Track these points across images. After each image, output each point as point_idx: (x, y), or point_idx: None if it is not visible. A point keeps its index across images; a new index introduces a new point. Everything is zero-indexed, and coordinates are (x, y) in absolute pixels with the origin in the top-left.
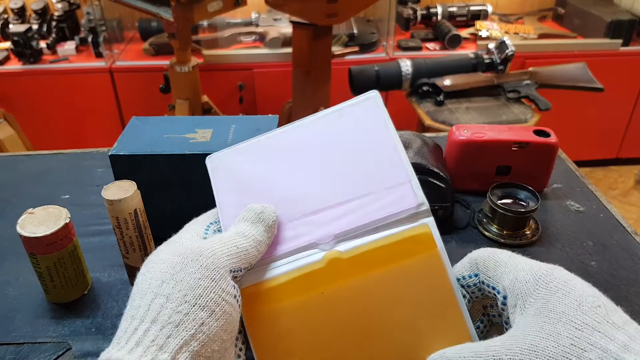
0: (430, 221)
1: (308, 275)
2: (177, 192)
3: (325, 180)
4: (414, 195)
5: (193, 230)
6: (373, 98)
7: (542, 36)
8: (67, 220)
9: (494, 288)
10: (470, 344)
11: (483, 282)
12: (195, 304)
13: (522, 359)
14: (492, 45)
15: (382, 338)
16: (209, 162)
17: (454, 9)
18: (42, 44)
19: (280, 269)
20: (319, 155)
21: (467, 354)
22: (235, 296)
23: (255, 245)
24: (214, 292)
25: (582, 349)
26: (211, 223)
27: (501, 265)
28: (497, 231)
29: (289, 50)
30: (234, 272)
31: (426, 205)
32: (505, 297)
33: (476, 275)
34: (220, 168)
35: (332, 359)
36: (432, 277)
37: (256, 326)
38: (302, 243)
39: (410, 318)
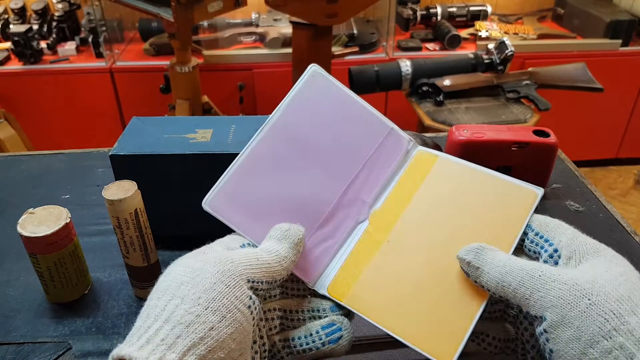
0: (420, 147)
1: (366, 240)
2: (177, 192)
3: (327, 166)
4: (401, 137)
5: (224, 243)
6: (315, 72)
7: (541, 36)
8: (68, 220)
9: (547, 240)
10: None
11: (537, 234)
12: (208, 307)
13: (566, 276)
14: (491, 46)
15: (455, 246)
16: (207, 207)
17: (453, 9)
18: (43, 44)
19: (345, 254)
20: (306, 146)
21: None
22: (249, 307)
23: (279, 260)
24: (227, 298)
25: (635, 304)
26: (248, 244)
27: (562, 227)
28: None
29: (289, 50)
30: (252, 282)
31: (412, 139)
32: (556, 250)
33: (528, 226)
34: (225, 206)
35: (427, 286)
36: (454, 174)
37: (362, 304)
38: (349, 226)
39: (469, 217)
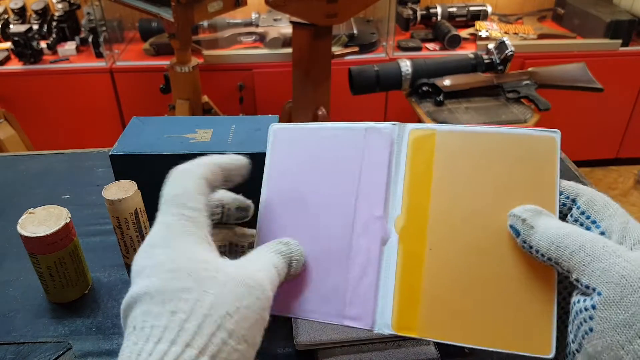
0: (410, 126)
1: (406, 257)
2: None
3: (327, 204)
4: (380, 130)
5: (194, 240)
6: (276, 130)
7: (541, 36)
8: (68, 220)
9: (594, 222)
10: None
11: (583, 213)
12: (251, 343)
13: (631, 255)
14: (491, 46)
15: (498, 227)
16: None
17: (453, 9)
18: (43, 44)
19: (391, 282)
20: (302, 199)
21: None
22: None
23: (275, 285)
24: (263, 329)
25: None
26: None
27: (610, 208)
28: None
29: (289, 50)
30: None
31: (395, 123)
32: (603, 234)
33: (573, 201)
34: None
35: (492, 282)
36: (462, 146)
37: (437, 331)
38: (377, 250)
39: (498, 189)
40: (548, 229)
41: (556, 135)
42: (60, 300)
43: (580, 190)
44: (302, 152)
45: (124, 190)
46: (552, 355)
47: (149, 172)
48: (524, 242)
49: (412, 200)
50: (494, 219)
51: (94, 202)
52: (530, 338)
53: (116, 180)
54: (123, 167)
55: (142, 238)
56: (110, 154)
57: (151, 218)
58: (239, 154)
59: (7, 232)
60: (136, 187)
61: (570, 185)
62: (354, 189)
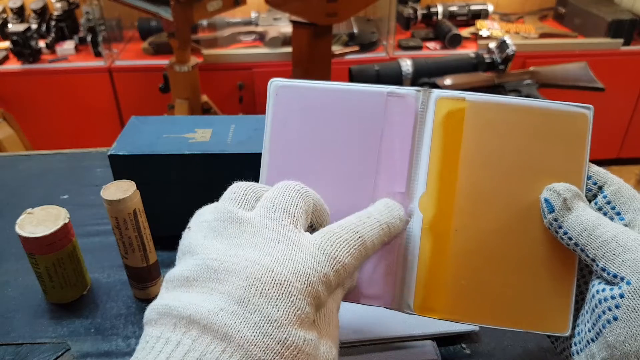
0: (437, 93)
1: (430, 237)
2: (176, 192)
3: (343, 175)
4: (404, 96)
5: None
6: (277, 86)
7: (543, 36)
8: (66, 221)
9: (618, 213)
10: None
11: (608, 203)
12: None
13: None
14: (492, 45)
15: (525, 209)
16: None
17: (454, 8)
18: (41, 44)
19: (414, 264)
20: (312, 167)
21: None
22: None
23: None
24: None
25: None
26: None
27: (638, 201)
28: None
29: (289, 49)
30: None
31: (420, 89)
32: (626, 226)
33: (600, 188)
34: None
35: (516, 263)
36: (493, 119)
37: (461, 312)
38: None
39: (528, 167)
40: (583, 215)
41: (588, 111)
42: (58, 301)
43: (608, 178)
44: (310, 118)
45: (122, 191)
46: (568, 333)
47: (148, 172)
48: (555, 220)
49: (439, 177)
50: (519, 198)
51: (92, 202)
52: (549, 318)
53: (115, 180)
54: (122, 167)
55: (141, 238)
56: (109, 154)
57: (150, 218)
58: (238, 154)
59: (6, 232)
60: (135, 187)
61: (599, 172)
62: (374, 162)
